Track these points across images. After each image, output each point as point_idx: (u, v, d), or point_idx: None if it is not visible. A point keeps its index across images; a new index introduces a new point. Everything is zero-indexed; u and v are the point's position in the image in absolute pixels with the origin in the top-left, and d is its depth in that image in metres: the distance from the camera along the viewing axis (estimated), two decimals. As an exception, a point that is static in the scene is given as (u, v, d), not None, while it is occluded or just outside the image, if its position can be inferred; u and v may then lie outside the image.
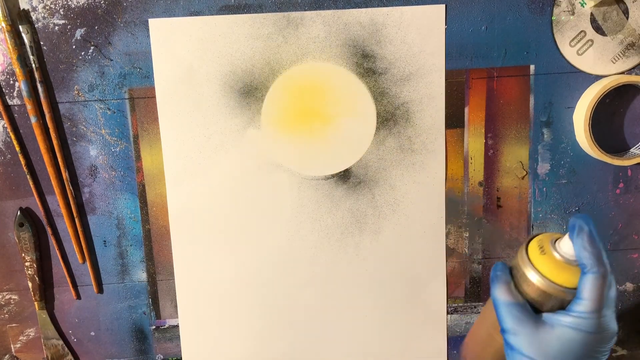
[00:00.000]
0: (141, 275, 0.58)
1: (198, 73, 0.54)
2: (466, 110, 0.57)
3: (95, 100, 0.54)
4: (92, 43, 0.53)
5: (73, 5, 0.52)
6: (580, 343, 0.36)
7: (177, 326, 0.59)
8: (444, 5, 0.54)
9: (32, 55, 0.52)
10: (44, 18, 0.52)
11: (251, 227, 0.57)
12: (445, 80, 0.56)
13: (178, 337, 0.60)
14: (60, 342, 0.59)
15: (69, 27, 0.53)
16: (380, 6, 0.54)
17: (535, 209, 0.59)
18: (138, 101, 0.55)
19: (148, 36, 0.53)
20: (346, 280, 0.59)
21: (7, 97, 0.54)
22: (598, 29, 0.55)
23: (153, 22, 0.53)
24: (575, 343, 0.36)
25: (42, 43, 0.53)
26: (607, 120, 0.58)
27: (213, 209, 0.57)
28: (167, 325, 0.60)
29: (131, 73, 0.54)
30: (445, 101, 0.56)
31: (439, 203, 0.58)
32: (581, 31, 0.55)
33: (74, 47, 0.53)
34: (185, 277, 0.58)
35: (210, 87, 0.54)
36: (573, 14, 0.55)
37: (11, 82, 0.53)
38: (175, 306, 0.59)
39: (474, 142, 0.57)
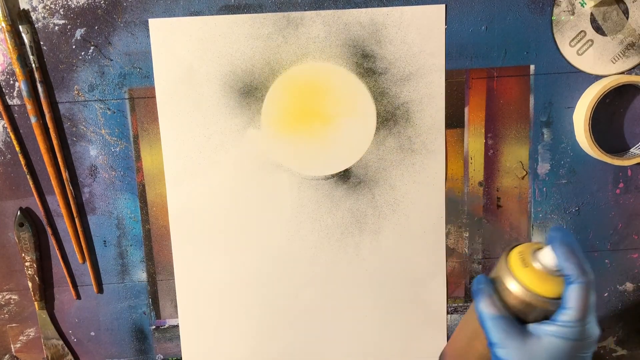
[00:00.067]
0: (141, 275, 0.58)
1: (198, 73, 0.54)
2: (466, 110, 0.57)
3: (95, 100, 0.54)
4: (92, 43, 0.53)
5: (73, 5, 0.52)
6: (567, 351, 0.37)
7: (177, 326, 0.59)
8: (444, 5, 0.54)
9: (32, 55, 0.52)
10: (44, 18, 0.52)
11: (251, 227, 0.57)
12: (445, 80, 0.56)
13: (178, 337, 0.60)
14: (60, 342, 0.59)
15: (69, 27, 0.53)
16: (380, 6, 0.54)
17: (535, 209, 0.59)
18: (138, 101, 0.55)
19: (148, 36, 0.53)
20: (346, 280, 0.59)
21: (7, 97, 0.54)
22: (598, 29, 0.55)
23: (153, 22, 0.53)
24: (562, 352, 0.37)
25: (42, 43, 0.53)
26: (607, 120, 0.58)
27: (213, 209, 0.57)
28: (167, 325, 0.60)
29: (131, 73, 0.54)
30: (445, 101, 0.56)
31: (439, 203, 0.58)
32: (581, 31, 0.55)
33: (74, 47, 0.53)
34: (185, 277, 0.58)
35: (210, 87, 0.54)
36: (573, 14, 0.55)
37: (11, 82, 0.53)
38: (175, 306, 0.59)
39: (474, 142, 0.57)
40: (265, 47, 0.54)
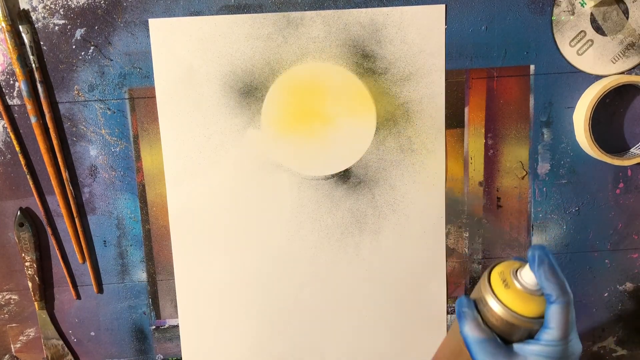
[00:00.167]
0: (141, 275, 0.58)
1: (198, 73, 0.54)
2: (466, 110, 0.57)
3: (95, 100, 0.54)
4: (92, 43, 0.53)
5: (73, 5, 0.52)
6: None
7: (177, 326, 0.59)
8: (444, 5, 0.54)
9: (32, 55, 0.52)
10: (44, 18, 0.52)
11: (251, 227, 0.57)
12: (445, 80, 0.56)
13: (178, 337, 0.60)
14: (60, 342, 0.59)
15: (69, 27, 0.53)
16: (380, 6, 0.54)
17: (535, 209, 0.59)
18: (138, 101, 0.55)
19: (148, 36, 0.53)
20: (346, 280, 0.59)
21: (7, 97, 0.54)
22: (598, 29, 0.55)
23: (153, 22, 0.53)
24: None
25: (42, 43, 0.53)
26: (607, 120, 0.58)
27: (213, 209, 0.57)
28: (167, 325, 0.60)
29: (131, 73, 0.54)
30: (445, 101, 0.56)
31: (439, 203, 0.58)
32: (581, 31, 0.55)
33: (74, 47, 0.53)
34: (185, 277, 0.58)
35: (210, 87, 0.54)
36: (573, 14, 0.55)
37: (11, 82, 0.53)
38: (175, 306, 0.59)
39: (474, 142, 0.57)
40: (265, 47, 0.54)
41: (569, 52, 0.56)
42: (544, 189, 0.58)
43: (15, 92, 0.53)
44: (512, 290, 0.38)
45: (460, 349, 0.41)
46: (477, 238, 0.59)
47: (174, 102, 0.54)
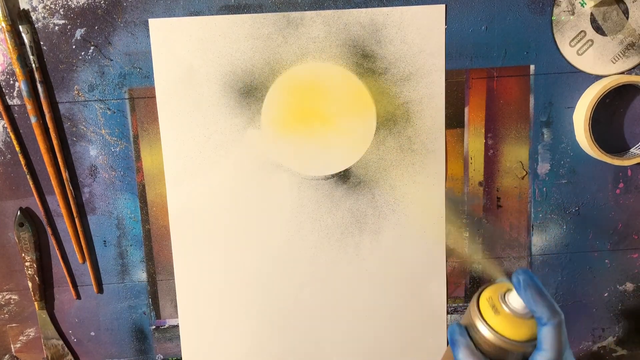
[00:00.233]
0: (141, 275, 0.58)
1: (198, 73, 0.54)
2: (466, 110, 0.57)
3: (95, 100, 0.54)
4: (92, 43, 0.53)
5: (73, 5, 0.52)
6: None
7: (177, 326, 0.59)
8: (444, 5, 0.54)
9: (32, 55, 0.52)
10: (44, 18, 0.52)
11: (251, 227, 0.57)
12: (445, 80, 0.56)
13: (178, 337, 0.60)
14: (60, 342, 0.59)
15: (69, 27, 0.53)
16: (380, 6, 0.54)
17: (535, 209, 0.59)
18: (138, 101, 0.55)
19: (148, 36, 0.53)
20: (346, 280, 0.59)
21: (7, 97, 0.54)
22: (598, 29, 0.55)
23: (153, 22, 0.53)
24: None
25: (42, 43, 0.53)
26: (607, 120, 0.58)
27: (213, 209, 0.57)
28: (167, 325, 0.60)
29: (131, 73, 0.54)
30: (445, 101, 0.56)
31: (439, 203, 0.58)
32: (581, 31, 0.55)
33: (74, 47, 0.53)
34: (185, 277, 0.58)
35: (210, 87, 0.54)
36: (573, 14, 0.55)
37: (11, 82, 0.53)
38: (175, 306, 0.59)
39: (474, 142, 0.57)
40: (265, 47, 0.54)
41: (569, 52, 0.56)
42: (544, 189, 0.58)
43: (15, 92, 0.53)
44: (501, 315, 0.39)
45: None
46: (477, 238, 0.59)
47: (174, 102, 0.54)
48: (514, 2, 0.55)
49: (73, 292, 0.58)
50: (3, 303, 0.58)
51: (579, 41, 0.56)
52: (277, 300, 0.59)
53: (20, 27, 0.52)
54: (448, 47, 0.55)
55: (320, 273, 0.59)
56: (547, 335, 0.37)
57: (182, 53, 0.54)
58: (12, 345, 0.59)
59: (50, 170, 0.54)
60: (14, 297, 0.58)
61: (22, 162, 0.54)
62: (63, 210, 0.55)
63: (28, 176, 0.55)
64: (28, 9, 0.52)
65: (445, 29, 0.55)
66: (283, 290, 0.59)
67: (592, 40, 0.56)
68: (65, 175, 0.55)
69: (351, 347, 0.60)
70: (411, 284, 0.59)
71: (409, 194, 0.57)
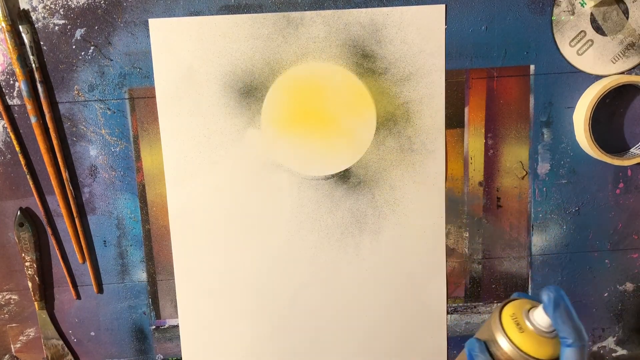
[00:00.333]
0: (141, 275, 0.58)
1: (198, 73, 0.54)
2: (466, 110, 0.57)
3: (95, 100, 0.54)
4: (92, 43, 0.53)
5: (73, 5, 0.52)
6: None
7: (177, 326, 0.59)
8: (444, 5, 0.54)
9: (32, 55, 0.52)
10: (44, 18, 0.52)
11: (251, 227, 0.57)
12: (445, 80, 0.56)
13: (178, 337, 0.60)
14: (60, 342, 0.59)
15: (69, 27, 0.53)
16: (380, 6, 0.54)
17: (535, 209, 0.59)
18: (138, 101, 0.55)
19: (148, 36, 0.53)
20: (346, 280, 0.59)
21: (7, 97, 0.54)
22: (598, 29, 0.55)
23: (153, 22, 0.53)
24: None
25: (42, 43, 0.53)
26: (607, 120, 0.58)
27: (213, 209, 0.57)
28: (167, 325, 0.60)
29: (131, 73, 0.54)
30: (445, 101, 0.56)
31: (439, 203, 0.58)
32: (581, 31, 0.55)
33: (74, 47, 0.53)
34: (185, 277, 0.58)
35: (210, 87, 0.54)
36: (573, 14, 0.55)
37: (11, 82, 0.53)
38: (175, 306, 0.59)
39: (474, 142, 0.57)
40: (265, 47, 0.54)
41: (569, 52, 0.56)
42: (544, 189, 0.58)
43: (15, 92, 0.53)
44: (526, 333, 0.38)
45: None
46: (477, 238, 0.59)
47: (174, 102, 0.54)
48: (514, 2, 0.55)
49: (73, 292, 0.58)
50: (3, 303, 0.58)
51: (579, 41, 0.56)
52: (277, 300, 0.59)
53: (20, 27, 0.52)
54: (448, 47, 0.55)
55: (320, 273, 0.59)
56: (570, 357, 0.37)
57: (182, 53, 0.54)
58: (12, 345, 0.59)
59: (50, 170, 0.54)
60: (14, 297, 0.58)
61: (22, 162, 0.54)
62: (63, 210, 0.55)
63: (28, 176, 0.55)
64: (28, 9, 0.52)
65: (445, 29, 0.55)
66: (283, 290, 0.59)
67: (592, 40, 0.56)
68: (65, 175, 0.55)
69: (351, 346, 0.60)
70: (411, 284, 0.59)
71: (409, 194, 0.57)
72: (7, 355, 0.59)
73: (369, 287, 0.59)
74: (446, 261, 0.59)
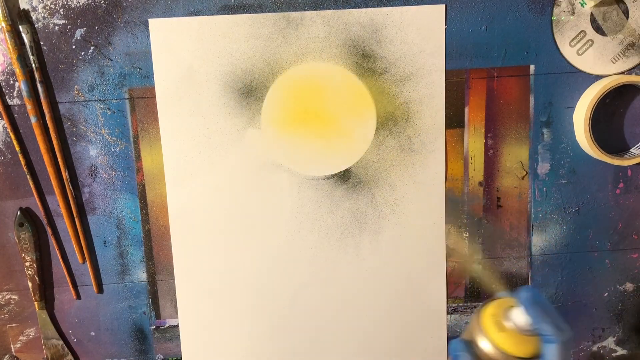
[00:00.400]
0: (141, 275, 0.58)
1: (198, 73, 0.54)
2: (466, 110, 0.57)
3: (95, 100, 0.54)
4: (92, 43, 0.53)
5: (73, 5, 0.52)
6: None
7: (177, 326, 0.59)
8: (444, 5, 0.54)
9: (32, 55, 0.52)
10: (44, 18, 0.52)
11: (251, 227, 0.57)
12: (445, 80, 0.56)
13: (178, 337, 0.60)
14: (60, 342, 0.59)
15: (69, 27, 0.53)
16: (380, 6, 0.54)
17: (535, 209, 0.59)
18: (138, 101, 0.55)
19: (148, 36, 0.53)
20: (346, 280, 0.59)
21: (7, 97, 0.54)
22: (598, 29, 0.55)
23: (153, 22, 0.53)
24: None
25: (42, 43, 0.53)
26: (607, 120, 0.58)
27: (213, 209, 0.57)
28: (167, 325, 0.60)
29: (131, 73, 0.54)
30: (445, 101, 0.56)
31: (439, 203, 0.58)
32: (581, 31, 0.55)
33: (74, 47, 0.53)
34: (185, 277, 0.58)
35: (210, 87, 0.54)
36: (573, 14, 0.55)
37: (11, 82, 0.53)
38: (175, 306, 0.59)
39: (474, 142, 0.57)
40: (265, 47, 0.54)
41: (569, 52, 0.56)
42: (544, 189, 0.58)
43: (15, 92, 0.53)
44: (506, 332, 0.39)
45: None
46: (477, 238, 0.59)
47: (174, 102, 0.54)
48: (514, 2, 0.55)
49: (73, 292, 0.58)
50: (3, 303, 0.58)
51: (579, 41, 0.56)
52: (277, 300, 0.59)
53: (20, 27, 0.52)
54: (448, 47, 0.55)
55: (320, 273, 0.59)
56: (551, 353, 0.37)
57: (182, 53, 0.54)
58: (12, 345, 0.59)
59: (50, 170, 0.54)
60: (14, 297, 0.58)
61: (22, 162, 0.54)
62: (63, 210, 0.55)
63: (28, 176, 0.55)
64: (28, 9, 0.52)
65: (445, 29, 0.55)
66: (283, 290, 0.59)
67: (592, 40, 0.56)
68: (65, 175, 0.55)
69: (351, 346, 0.60)
70: (411, 284, 0.59)
71: (409, 194, 0.57)
72: (7, 355, 0.59)
73: (369, 287, 0.59)
74: (446, 261, 0.59)
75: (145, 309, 0.59)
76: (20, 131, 0.54)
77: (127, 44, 0.53)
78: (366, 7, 0.54)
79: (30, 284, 0.57)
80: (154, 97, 0.54)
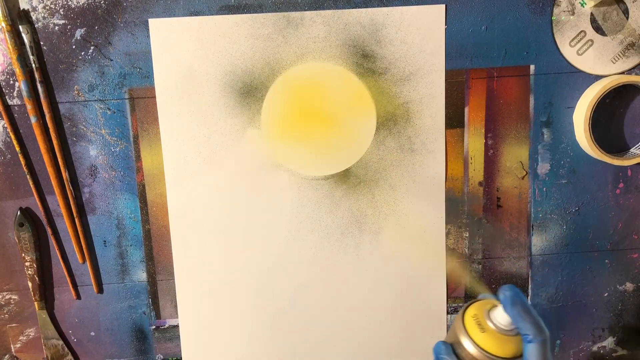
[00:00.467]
0: (141, 275, 0.58)
1: (198, 73, 0.54)
2: (466, 110, 0.57)
3: (95, 100, 0.54)
4: (92, 43, 0.53)
5: (73, 5, 0.52)
6: None
7: (177, 326, 0.59)
8: (444, 5, 0.54)
9: (32, 55, 0.52)
10: (44, 18, 0.52)
11: (251, 227, 0.57)
12: (445, 80, 0.56)
13: (178, 337, 0.60)
14: (60, 342, 0.59)
15: (69, 27, 0.53)
16: (380, 6, 0.54)
17: (535, 209, 0.59)
18: (138, 101, 0.55)
19: (148, 36, 0.53)
20: (346, 280, 0.59)
21: (7, 97, 0.54)
22: (598, 29, 0.55)
23: (153, 22, 0.53)
24: None
25: (42, 43, 0.53)
26: (607, 120, 0.58)
27: (213, 209, 0.57)
28: (167, 325, 0.60)
29: (131, 73, 0.54)
30: (445, 101, 0.56)
31: (439, 203, 0.58)
32: (581, 31, 0.55)
33: (74, 47, 0.53)
34: (185, 277, 0.58)
35: (210, 87, 0.54)
36: (573, 14, 0.55)
37: (11, 82, 0.53)
38: (175, 306, 0.59)
39: (474, 142, 0.57)
40: (265, 47, 0.54)
41: (569, 52, 0.56)
42: (544, 189, 0.58)
43: (15, 92, 0.53)
44: (487, 332, 0.39)
45: None
46: (477, 238, 0.59)
47: (174, 102, 0.54)
48: (514, 2, 0.55)
49: (73, 292, 0.58)
50: (3, 303, 0.58)
51: (579, 41, 0.56)
52: (277, 300, 0.59)
53: (20, 27, 0.52)
54: (448, 47, 0.55)
55: (320, 273, 0.59)
56: (532, 353, 0.38)
57: (182, 53, 0.54)
58: (12, 345, 0.59)
59: (50, 170, 0.54)
60: (14, 297, 0.58)
61: (22, 162, 0.54)
62: (63, 210, 0.55)
63: (28, 176, 0.55)
64: (28, 9, 0.52)
65: (445, 29, 0.55)
66: (283, 290, 0.59)
67: (592, 40, 0.56)
68: (65, 175, 0.55)
69: (351, 346, 0.60)
70: (411, 283, 0.59)
71: (409, 194, 0.57)
72: (7, 355, 0.59)
73: (369, 287, 0.59)
74: (446, 261, 0.59)
75: (145, 309, 0.59)
76: (20, 131, 0.54)
77: (127, 44, 0.53)
78: (366, 7, 0.54)
79: (30, 284, 0.57)
80: (154, 97, 0.54)
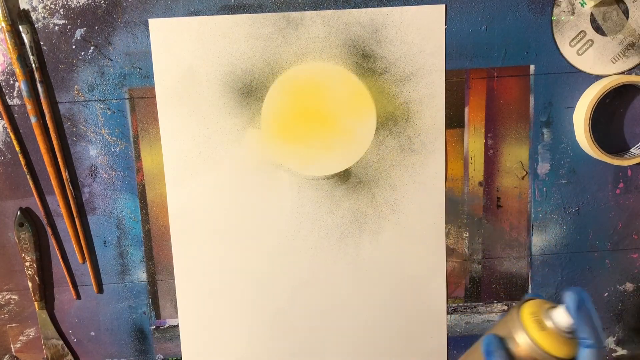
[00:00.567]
0: (141, 275, 0.58)
1: (198, 73, 0.54)
2: (466, 110, 0.57)
3: (95, 100, 0.54)
4: (92, 43, 0.53)
5: (73, 5, 0.52)
6: None
7: (177, 326, 0.59)
8: (444, 5, 0.54)
9: (32, 55, 0.52)
10: (44, 18, 0.52)
11: (251, 227, 0.57)
12: (445, 80, 0.56)
13: (178, 337, 0.60)
14: (60, 342, 0.59)
15: (69, 27, 0.53)
16: (380, 6, 0.54)
17: (535, 209, 0.59)
18: (138, 101, 0.55)
19: (148, 36, 0.53)
20: (346, 280, 0.59)
21: (7, 97, 0.54)
22: (598, 29, 0.55)
23: (153, 22, 0.53)
24: None
25: (42, 43, 0.53)
26: (607, 120, 0.58)
27: (213, 209, 0.57)
28: (167, 325, 0.60)
29: (131, 73, 0.54)
30: (445, 101, 0.56)
31: (439, 203, 0.58)
32: (581, 31, 0.55)
33: (74, 47, 0.53)
34: (185, 277, 0.58)
35: (210, 87, 0.54)
36: (573, 14, 0.55)
37: (11, 82, 0.53)
38: (175, 306, 0.59)
39: (474, 142, 0.57)
40: (265, 47, 0.54)
41: (569, 52, 0.56)
42: (544, 189, 0.58)
43: (15, 92, 0.53)
44: (546, 331, 0.39)
45: None
46: (477, 238, 0.59)
47: (174, 102, 0.54)
48: (514, 2, 0.55)
49: (73, 292, 0.58)
50: (3, 303, 0.58)
51: (579, 41, 0.56)
52: (277, 300, 0.59)
53: (20, 27, 0.52)
54: (448, 47, 0.55)
55: (320, 273, 0.59)
56: (587, 358, 0.38)
57: (182, 53, 0.54)
58: (12, 345, 0.59)
59: (50, 170, 0.54)
60: (14, 297, 0.58)
61: (22, 162, 0.54)
62: (63, 210, 0.55)
63: (28, 176, 0.55)
64: (28, 9, 0.52)
65: (445, 29, 0.55)
66: (283, 290, 0.59)
67: (592, 40, 0.56)
68: (65, 175, 0.55)
69: (351, 346, 0.60)
70: (411, 284, 0.59)
71: (409, 194, 0.57)
72: (7, 355, 0.59)
73: (369, 287, 0.59)
74: (446, 261, 0.59)
75: (145, 309, 0.59)
76: (20, 131, 0.54)
77: (127, 44, 0.53)
78: (366, 7, 0.54)
79: (30, 284, 0.57)
80: (154, 97, 0.54)
